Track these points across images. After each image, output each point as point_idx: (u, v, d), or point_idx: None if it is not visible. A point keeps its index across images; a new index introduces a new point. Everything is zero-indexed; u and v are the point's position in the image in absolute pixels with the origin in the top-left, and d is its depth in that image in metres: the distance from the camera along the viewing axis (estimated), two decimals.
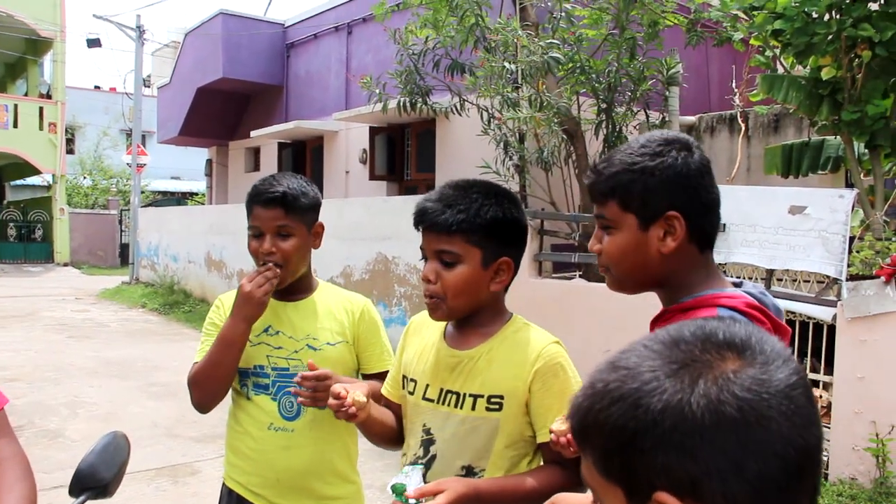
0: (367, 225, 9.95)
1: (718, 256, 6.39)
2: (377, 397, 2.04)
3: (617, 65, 8.26)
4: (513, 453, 1.81)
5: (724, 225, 6.27)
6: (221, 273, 14.22)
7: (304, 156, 15.98)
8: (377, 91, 8.54)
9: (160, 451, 6.05)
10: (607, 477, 0.78)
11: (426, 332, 1.97)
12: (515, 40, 6.86)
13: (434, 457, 1.83)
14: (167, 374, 9.02)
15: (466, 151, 10.27)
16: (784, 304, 5.95)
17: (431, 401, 1.86)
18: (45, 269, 24.59)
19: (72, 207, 27.73)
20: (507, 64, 6.75)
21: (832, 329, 5.58)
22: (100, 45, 21.15)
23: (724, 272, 6.38)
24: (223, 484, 2.41)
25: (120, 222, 27.05)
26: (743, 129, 9.49)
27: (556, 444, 1.66)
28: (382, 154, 13.43)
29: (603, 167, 1.56)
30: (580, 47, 8.16)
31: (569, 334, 6.96)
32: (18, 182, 33.02)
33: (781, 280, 6.16)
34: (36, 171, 26.37)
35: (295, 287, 2.36)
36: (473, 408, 1.80)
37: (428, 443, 1.85)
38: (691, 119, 10.08)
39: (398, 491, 1.68)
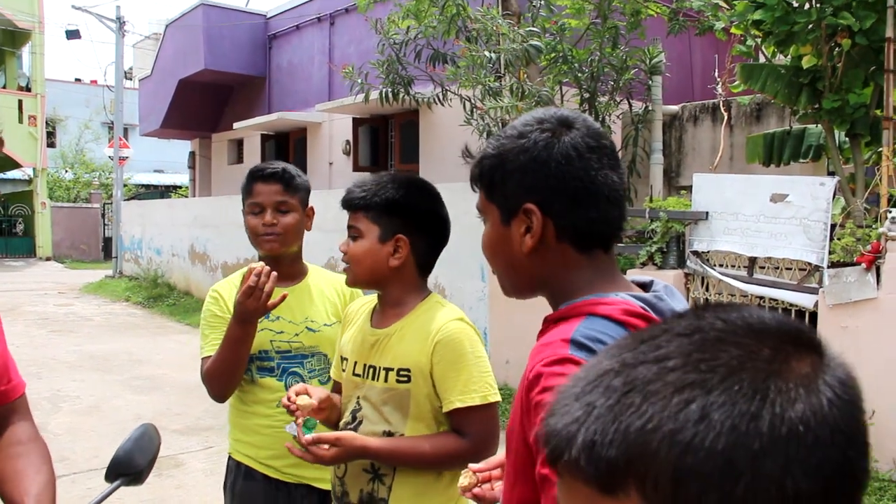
0: None
1: (701, 244, 6.43)
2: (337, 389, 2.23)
3: (599, 54, 8.26)
4: (430, 420, 1.99)
5: (707, 213, 6.30)
6: (205, 266, 14.15)
7: (288, 147, 15.91)
8: (359, 81, 8.51)
9: None
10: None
11: (357, 317, 2.17)
12: (496, 29, 6.84)
13: (360, 422, 2.03)
14: (151, 367, 8.98)
15: (449, 142, 10.25)
16: (766, 292, 6.00)
17: (359, 376, 2.06)
18: (27, 264, 24.40)
19: (53, 201, 27.52)
20: (487, 53, 6.74)
21: (814, 316, 5.62)
22: (79, 37, 20.96)
23: (708, 260, 6.43)
24: (229, 457, 2.54)
25: (103, 216, 26.87)
26: (725, 118, 9.52)
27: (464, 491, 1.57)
28: (366, 145, 13.39)
29: (478, 149, 1.38)
30: (562, 37, 8.16)
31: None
32: None
33: (764, 268, 6.18)
34: (16, 165, 26.11)
35: (289, 271, 2.49)
36: (387, 380, 2.00)
37: (355, 411, 2.06)
38: (674, 108, 10.10)
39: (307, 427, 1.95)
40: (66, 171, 31.89)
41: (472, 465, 1.57)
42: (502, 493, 1.31)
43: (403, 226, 2.02)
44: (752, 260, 6.09)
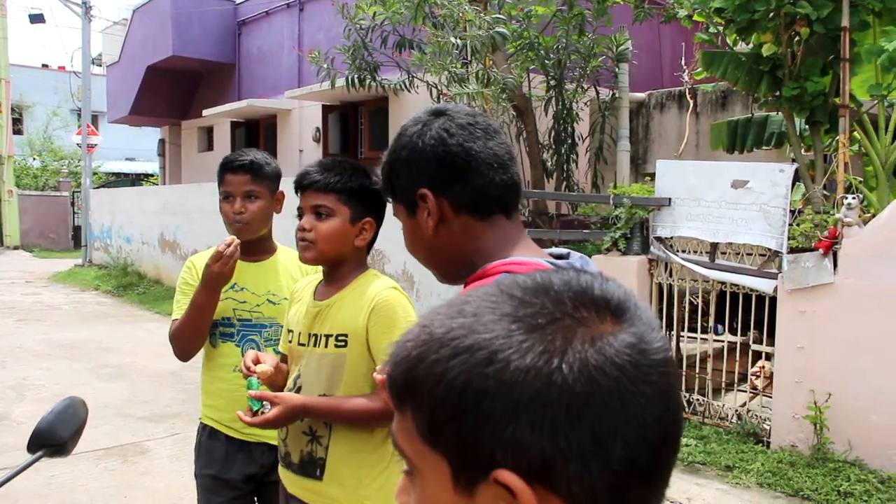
0: None
1: (664, 230, 6.50)
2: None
3: (566, 41, 8.31)
4: (362, 383, 2.14)
5: (670, 199, 6.38)
6: (175, 254, 14.06)
7: (258, 134, 15.82)
8: (325, 66, 8.49)
9: (110, 431, 6.01)
10: (432, 445, 0.65)
11: (304, 293, 2.35)
12: (462, 15, 6.86)
13: (300, 388, 2.19)
14: (119, 355, 8.94)
15: None
16: (727, 277, 6.09)
17: (303, 345, 2.23)
18: None
19: (21, 189, 27.14)
20: (453, 39, 6.76)
21: (774, 301, 5.72)
22: (43, 21, 20.69)
23: (671, 246, 6.51)
24: (200, 421, 2.78)
25: (72, 204, 26.54)
26: (691, 105, 9.61)
27: (378, 384, 1.75)
28: (336, 132, 13.36)
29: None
30: (529, 24, 8.19)
31: None
32: None
33: (725, 254, 6.28)
34: None
35: (257, 248, 2.73)
36: (326, 345, 2.17)
37: (297, 378, 2.22)
38: (641, 96, 10.18)
39: (251, 387, 2.14)
40: (34, 159, 31.43)
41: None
42: None
43: (371, 210, 2.22)
44: (714, 245, 6.17)
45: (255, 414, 2.10)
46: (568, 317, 0.64)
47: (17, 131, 29.97)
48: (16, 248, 25.34)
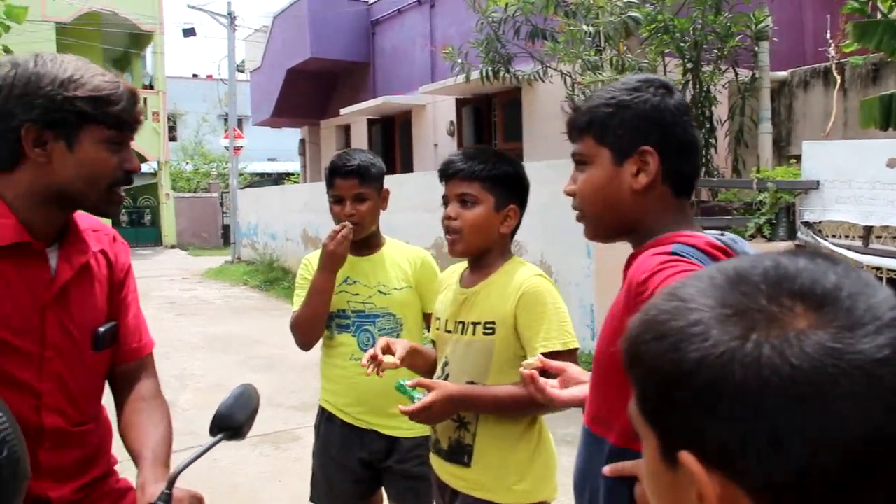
0: None
1: (812, 215, 6.22)
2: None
3: (702, 22, 8.05)
4: (509, 370, 2.14)
5: (818, 182, 6.10)
6: (318, 249, 14.54)
7: (393, 131, 16.16)
8: (459, 61, 8.58)
9: (263, 419, 6.20)
10: (645, 417, 0.69)
11: (450, 280, 2.41)
12: (594, 2, 6.78)
13: (448, 375, 2.25)
14: (268, 347, 9.37)
15: (551, 119, 10.19)
16: (883, 262, 5.76)
17: (449, 332, 2.28)
18: (154, 252, 25.68)
19: (176, 192, 28.83)
20: (586, 27, 6.69)
21: None
22: (195, 35, 21.85)
23: (819, 231, 6.22)
24: (319, 405, 2.93)
25: (221, 204, 27.95)
26: (838, 81, 9.10)
27: (522, 379, 1.76)
28: (470, 125, 13.47)
29: (581, 103, 1.59)
30: (663, 6, 7.99)
31: None
32: None
33: (881, 237, 5.94)
34: (143, 159, 27.52)
35: (367, 243, 2.85)
36: (474, 333, 2.20)
37: (445, 365, 2.28)
38: (783, 74, 9.73)
39: (400, 389, 2.14)
40: (187, 163, 33.36)
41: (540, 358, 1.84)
42: (588, 402, 1.54)
43: (515, 197, 2.25)
44: (868, 229, 5.86)
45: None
46: (756, 310, 0.62)
47: (172, 138, 31.81)
48: (172, 246, 26.96)
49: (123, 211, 27.80)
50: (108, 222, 1.99)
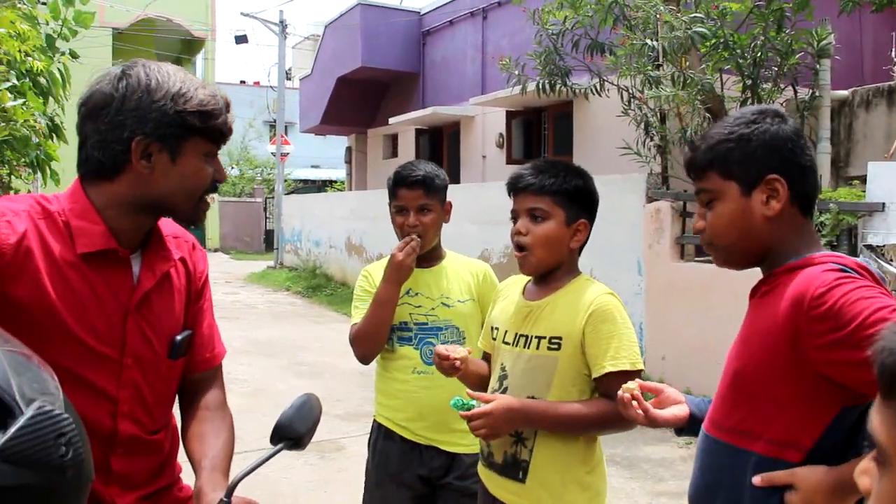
0: (505, 209, 9.80)
1: (875, 238, 6.02)
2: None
3: (763, 38, 7.88)
4: (570, 387, 2.12)
5: (883, 204, 5.91)
6: (361, 257, 14.58)
7: (441, 141, 16.16)
8: (516, 73, 8.52)
9: None
10: None
11: (510, 291, 2.37)
12: (657, 16, 6.66)
13: (506, 389, 2.19)
14: (312, 354, 9.37)
15: (604, 133, 10.09)
16: None
17: (508, 343, 2.23)
18: None
19: (221, 196, 29.17)
20: (648, 41, 6.57)
21: None
22: (246, 42, 22.08)
23: (883, 254, 6.02)
24: (374, 420, 2.87)
25: (265, 209, 28.24)
26: None
27: (621, 402, 1.78)
28: (519, 138, 13.40)
29: (699, 142, 1.66)
30: (724, 21, 7.84)
31: (710, 317, 6.71)
32: None
33: None
34: None
35: (429, 256, 2.81)
36: (538, 347, 2.15)
37: (503, 378, 2.22)
38: (844, 93, 9.49)
39: (457, 405, 2.09)
40: (232, 168, 33.72)
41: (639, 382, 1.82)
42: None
43: (585, 210, 2.20)
44: None
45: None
46: None
47: None
48: (216, 250, 27.26)
49: None
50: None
